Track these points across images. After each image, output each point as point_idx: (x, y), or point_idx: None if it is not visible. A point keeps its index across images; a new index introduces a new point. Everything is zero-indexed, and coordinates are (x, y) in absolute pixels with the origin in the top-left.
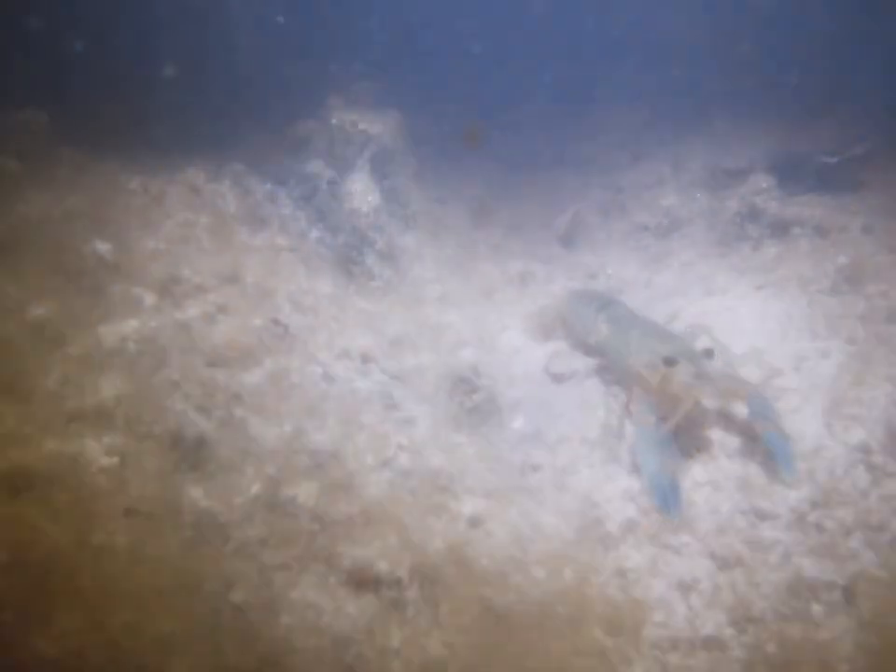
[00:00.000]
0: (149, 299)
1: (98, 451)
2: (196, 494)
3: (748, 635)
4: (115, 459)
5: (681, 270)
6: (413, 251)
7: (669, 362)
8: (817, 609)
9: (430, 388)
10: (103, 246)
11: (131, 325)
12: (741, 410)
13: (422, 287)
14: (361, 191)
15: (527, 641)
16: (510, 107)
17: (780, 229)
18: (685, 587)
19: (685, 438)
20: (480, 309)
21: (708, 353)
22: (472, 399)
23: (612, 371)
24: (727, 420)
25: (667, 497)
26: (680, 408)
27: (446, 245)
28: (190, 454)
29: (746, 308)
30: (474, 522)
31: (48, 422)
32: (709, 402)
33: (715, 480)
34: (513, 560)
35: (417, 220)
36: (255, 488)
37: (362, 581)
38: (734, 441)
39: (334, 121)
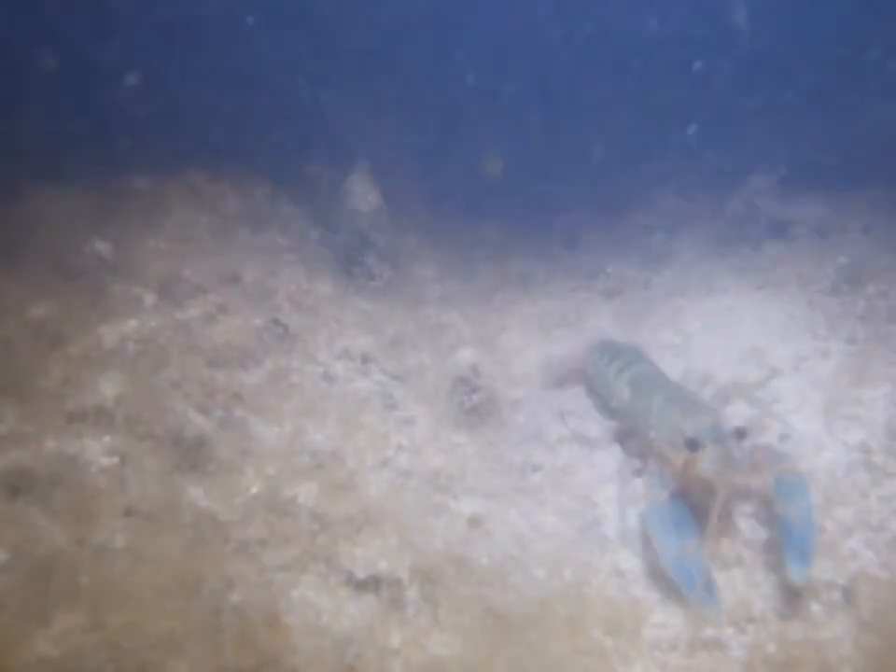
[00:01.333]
0: (149, 299)
1: (98, 451)
2: (196, 494)
3: (747, 635)
4: (115, 459)
5: (681, 270)
6: (413, 251)
7: (693, 446)
8: (817, 609)
9: (430, 388)
10: (103, 246)
11: (131, 325)
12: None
13: (422, 287)
14: (361, 191)
15: (527, 641)
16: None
17: (780, 229)
18: None
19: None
20: (480, 309)
21: (740, 433)
22: (472, 399)
23: (634, 439)
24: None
25: (697, 584)
26: (715, 507)
27: (446, 245)
28: (190, 454)
29: (746, 308)
30: (474, 522)
31: (48, 422)
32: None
33: None
34: (513, 560)
35: (417, 220)
36: (255, 488)
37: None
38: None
39: (335, 121)
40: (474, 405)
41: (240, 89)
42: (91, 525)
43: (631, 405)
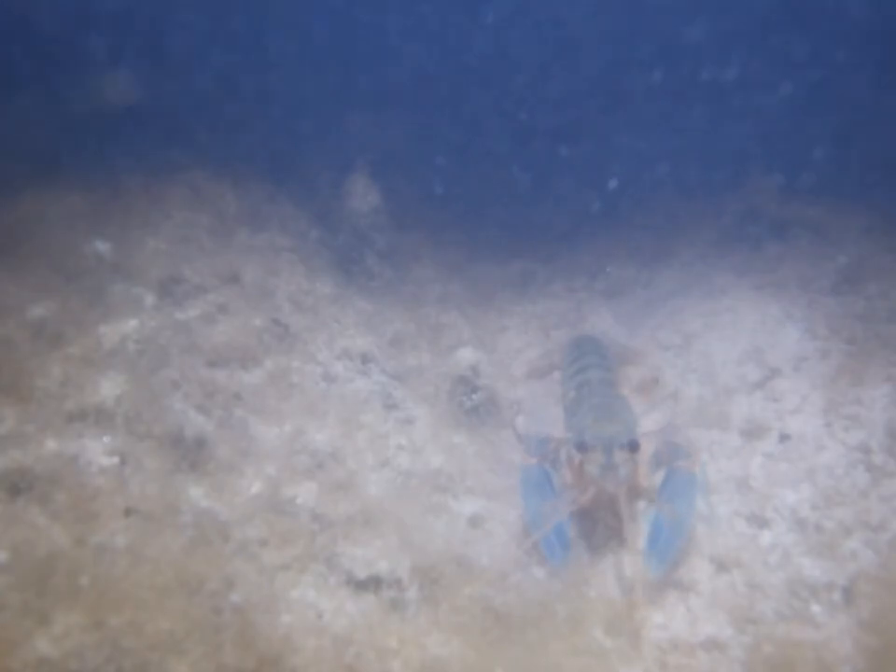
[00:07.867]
0: (149, 299)
1: (98, 451)
2: (196, 494)
3: (747, 635)
4: (115, 459)
5: (681, 270)
6: (413, 251)
7: (580, 448)
8: (817, 609)
9: (430, 388)
10: (103, 246)
11: (131, 325)
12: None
13: (422, 287)
14: (361, 191)
15: (527, 641)
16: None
17: (780, 229)
18: (684, 588)
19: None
20: (480, 309)
21: (633, 446)
22: (472, 400)
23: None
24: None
25: (552, 542)
26: (582, 495)
27: (446, 245)
28: (190, 454)
29: (746, 308)
30: (474, 521)
31: (48, 422)
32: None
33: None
34: (513, 560)
35: (417, 220)
36: (255, 488)
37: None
38: (733, 440)
39: (335, 121)
40: (474, 405)
41: (241, 87)
42: (91, 524)
43: (570, 406)
